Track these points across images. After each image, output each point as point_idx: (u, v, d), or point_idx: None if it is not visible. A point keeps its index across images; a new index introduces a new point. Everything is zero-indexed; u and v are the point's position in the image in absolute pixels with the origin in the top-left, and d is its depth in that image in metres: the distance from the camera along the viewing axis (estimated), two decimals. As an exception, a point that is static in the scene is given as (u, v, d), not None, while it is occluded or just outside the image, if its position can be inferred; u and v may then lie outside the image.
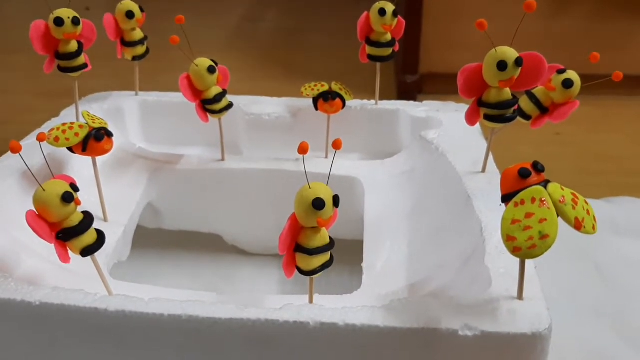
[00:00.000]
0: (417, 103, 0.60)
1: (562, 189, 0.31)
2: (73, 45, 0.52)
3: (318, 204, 0.35)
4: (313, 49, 1.35)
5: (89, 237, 0.38)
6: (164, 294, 0.40)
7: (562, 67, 0.47)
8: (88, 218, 0.38)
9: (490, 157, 0.49)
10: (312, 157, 0.58)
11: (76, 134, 0.46)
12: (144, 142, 0.62)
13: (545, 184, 0.31)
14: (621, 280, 0.56)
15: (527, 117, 0.48)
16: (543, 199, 0.30)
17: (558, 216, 0.30)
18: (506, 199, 0.32)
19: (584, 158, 0.93)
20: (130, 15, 0.56)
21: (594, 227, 0.31)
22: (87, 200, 0.50)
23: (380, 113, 0.59)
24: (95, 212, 0.50)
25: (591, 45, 1.14)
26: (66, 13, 0.50)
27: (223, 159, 0.56)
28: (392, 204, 0.51)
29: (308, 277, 0.37)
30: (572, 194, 0.31)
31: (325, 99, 0.56)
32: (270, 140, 0.60)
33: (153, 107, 0.62)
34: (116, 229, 0.49)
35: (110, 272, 0.47)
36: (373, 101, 0.60)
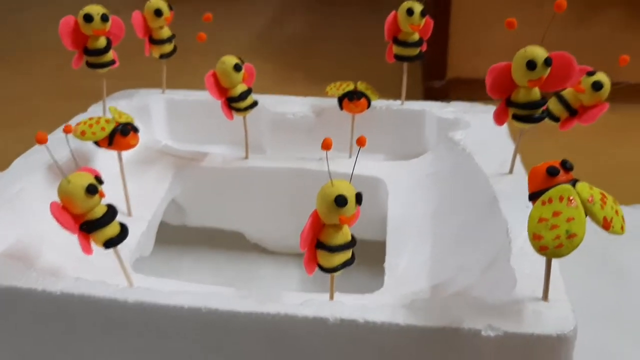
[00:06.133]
0: (443, 104, 0.59)
1: (591, 188, 0.30)
2: (101, 42, 0.52)
3: (340, 200, 0.35)
4: (334, 54, 1.34)
5: (112, 230, 0.38)
6: (185, 288, 0.40)
7: (591, 69, 0.47)
8: (111, 211, 0.39)
9: (518, 158, 0.48)
10: (336, 157, 0.58)
11: (102, 129, 0.46)
12: (169, 139, 0.62)
13: (573, 182, 0.30)
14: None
15: (555, 118, 0.48)
16: (571, 198, 0.29)
17: (586, 215, 0.29)
18: (534, 197, 0.31)
19: (604, 167, 0.91)
20: (158, 13, 0.56)
21: (622, 228, 0.30)
22: (111, 195, 0.51)
23: (406, 113, 0.59)
24: (120, 207, 0.51)
25: (619, 53, 1.13)
26: (95, 9, 0.51)
27: (247, 157, 0.56)
28: (416, 205, 0.50)
29: (329, 275, 0.37)
30: (601, 193, 0.30)
31: (351, 99, 0.56)
32: (294, 139, 0.60)
33: (179, 105, 0.62)
34: (140, 224, 0.50)
35: (133, 267, 0.48)
36: (399, 101, 0.60)
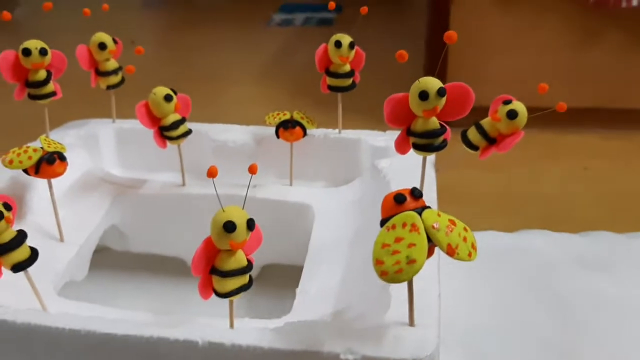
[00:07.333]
0: (379, 132, 0.60)
1: (439, 215, 0.31)
2: (41, 74, 0.55)
3: (229, 227, 0.36)
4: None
5: (21, 254, 0.40)
6: (99, 312, 0.42)
7: (510, 97, 0.48)
8: (21, 235, 0.40)
9: (433, 186, 0.49)
10: (276, 184, 0.60)
11: (29, 157, 0.48)
12: (119, 167, 0.64)
13: (421, 209, 0.31)
14: (579, 315, 0.55)
15: (474, 147, 0.49)
16: (414, 224, 0.30)
17: (431, 242, 0.30)
18: (383, 223, 0.32)
19: (612, 194, 0.90)
20: (102, 46, 0.59)
21: (470, 255, 0.31)
22: (46, 220, 0.53)
23: (343, 142, 0.60)
24: (54, 232, 0.53)
25: (620, 79, 1.12)
26: (34, 44, 0.54)
27: (184, 184, 0.58)
28: (338, 231, 0.51)
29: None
30: (450, 220, 0.31)
31: (285, 128, 0.57)
32: (236, 167, 0.61)
33: (128, 134, 0.64)
34: (70, 249, 0.51)
35: (69, 291, 0.49)
36: (337, 130, 0.61)
